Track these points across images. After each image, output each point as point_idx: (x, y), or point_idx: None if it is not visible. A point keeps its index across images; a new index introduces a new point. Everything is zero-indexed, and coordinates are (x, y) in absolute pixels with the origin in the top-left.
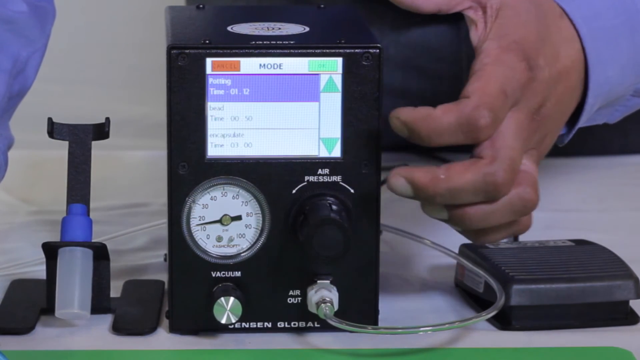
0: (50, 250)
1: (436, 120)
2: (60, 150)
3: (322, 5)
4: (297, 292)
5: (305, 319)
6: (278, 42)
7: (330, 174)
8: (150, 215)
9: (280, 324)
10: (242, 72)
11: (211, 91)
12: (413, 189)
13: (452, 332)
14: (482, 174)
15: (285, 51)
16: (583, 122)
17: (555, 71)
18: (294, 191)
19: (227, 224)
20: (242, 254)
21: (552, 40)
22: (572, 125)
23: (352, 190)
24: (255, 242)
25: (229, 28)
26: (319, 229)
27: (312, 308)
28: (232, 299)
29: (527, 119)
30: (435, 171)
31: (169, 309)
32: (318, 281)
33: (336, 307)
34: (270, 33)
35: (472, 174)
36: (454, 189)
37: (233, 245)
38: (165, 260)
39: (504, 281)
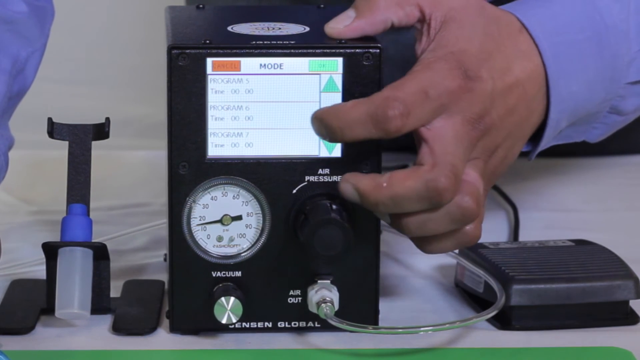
0: (50, 250)
1: (346, 112)
2: (60, 150)
3: (322, 5)
4: (298, 292)
5: (305, 319)
6: (278, 42)
7: (331, 174)
8: (150, 215)
9: (281, 324)
10: (242, 72)
11: (211, 91)
12: (359, 195)
13: (452, 332)
14: (424, 180)
15: (286, 51)
16: (550, 137)
17: (503, 84)
18: (294, 191)
19: (227, 224)
20: (243, 254)
21: (503, 54)
22: (539, 141)
23: None
24: (255, 242)
25: (229, 28)
26: (320, 229)
27: (312, 308)
28: (232, 298)
29: (464, 127)
30: (378, 179)
31: (169, 309)
32: (318, 281)
33: (337, 307)
34: (270, 33)
35: (414, 181)
36: (396, 197)
37: (233, 245)
38: (165, 260)
39: (504, 281)
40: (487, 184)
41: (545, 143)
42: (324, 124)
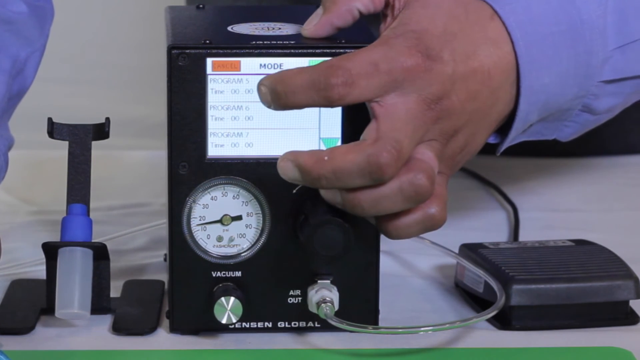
0: (50, 250)
1: (291, 77)
2: (60, 150)
3: None
4: (298, 292)
5: (305, 319)
6: (278, 42)
7: None
8: (150, 215)
9: (281, 324)
10: (242, 72)
11: (211, 91)
12: (299, 172)
13: (452, 332)
14: (365, 154)
15: (286, 51)
16: (519, 130)
17: (465, 67)
18: (294, 191)
19: (227, 224)
20: (243, 254)
21: (469, 38)
22: (507, 134)
23: None
24: (255, 242)
25: (229, 28)
26: (320, 229)
27: (312, 308)
28: (232, 298)
29: (418, 106)
30: (319, 153)
31: (169, 309)
32: (318, 281)
33: (337, 307)
34: (270, 33)
35: (355, 154)
36: (337, 171)
37: (233, 245)
38: (165, 260)
39: (504, 281)
40: (447, 169)
41: (513, 135)
42: (270, 88)
